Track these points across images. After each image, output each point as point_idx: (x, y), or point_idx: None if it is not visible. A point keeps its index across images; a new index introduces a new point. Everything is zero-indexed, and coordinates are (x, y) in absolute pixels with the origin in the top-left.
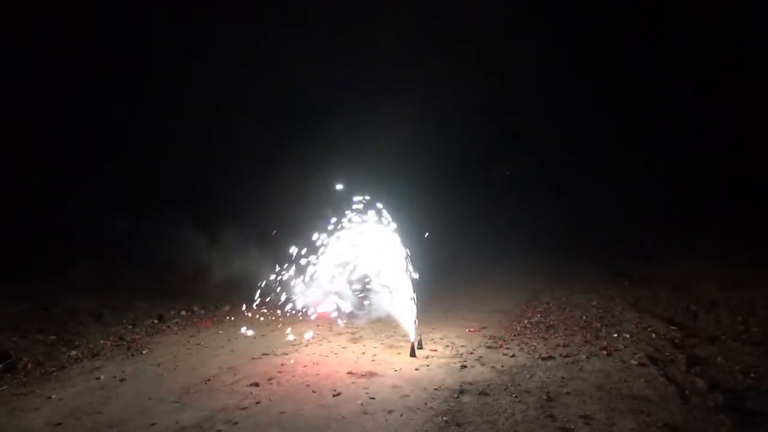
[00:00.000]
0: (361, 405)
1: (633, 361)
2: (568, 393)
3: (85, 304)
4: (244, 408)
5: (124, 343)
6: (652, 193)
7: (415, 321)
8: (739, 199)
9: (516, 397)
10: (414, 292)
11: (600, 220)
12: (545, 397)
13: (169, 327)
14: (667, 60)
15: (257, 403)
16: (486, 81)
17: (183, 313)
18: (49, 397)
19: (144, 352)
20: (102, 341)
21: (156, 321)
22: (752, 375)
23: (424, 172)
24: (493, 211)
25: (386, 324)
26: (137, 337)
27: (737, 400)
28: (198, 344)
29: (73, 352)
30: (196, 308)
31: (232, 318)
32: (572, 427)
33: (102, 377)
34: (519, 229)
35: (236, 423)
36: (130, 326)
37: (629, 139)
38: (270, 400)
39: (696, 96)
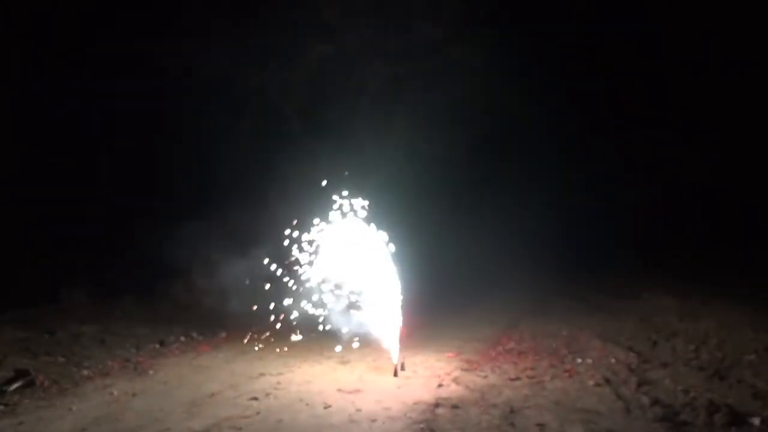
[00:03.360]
0: (349, 415)
1: (590, 382)
2: (529, 407)
3: (87, 330)
4: (246, 417)
5: (130, 364)
6: (620, 234)
7: (398, 346)
8: (693, 239)
9: (484, 410)
10: (400, 318)
11: (576, 259)
12: (509, 410)
13: (170, 351)
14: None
15: (257, 413)
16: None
17: (182, 338)
18: (70, 409)
19: (150, 372)
20: (109, 363)
21: (158, 345)
22: (691, 394)
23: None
24: (477, 247)
25: (373, 349)
26: (142, 359)
27: (673, 413)
28: (200, 365)
29: (85, 372)
30: (194, 334)
31: (229, 343)
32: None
33: (115, 393)
34: (500, 265)
35: (240, 428)
36: (134, 350)
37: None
38: (268, 411)
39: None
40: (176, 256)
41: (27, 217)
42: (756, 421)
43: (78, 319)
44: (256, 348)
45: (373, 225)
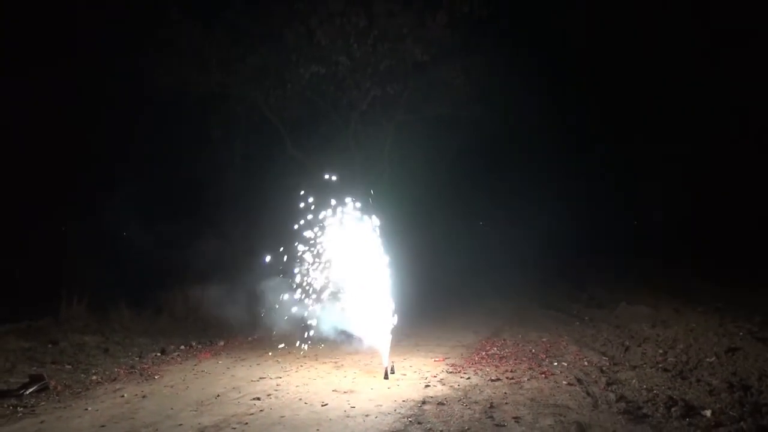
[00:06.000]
0: (344, 411)
1: (564, 382)
2: (507, 403)
3: (90, 340)
4: (251, 414)
5: (136, 370)
6: (601, 248)
7: (388, 350)
8: (670, 254)
9: (466, 406)
10: (390, 324)
11: (559, 272)
12: (489, 406)
13: (172, 358)
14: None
15: (261, 411)
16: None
17: (182, 347)
18: (86, 409)
19: (156, 377)
20: (116, 369)
21: (159, 354)
22: (654, 391)
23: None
24: (462, 259)
25: (364, 355)
26: (146, 366)
27: (636, 407)
28: (202, 371)
29: (93, 377)
30: (193, 343)
31: (228, 351)
32: (505, 424)
33: (125, 395)
34: (486, 276)
35: (246, 423)
36: (137, 358)
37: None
38: (271, 409)
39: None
40: (172, 268)
41: (25, 229)
42: (708, 413)
43: (79, 330)
44: (270, 353)
45: (373, 230)
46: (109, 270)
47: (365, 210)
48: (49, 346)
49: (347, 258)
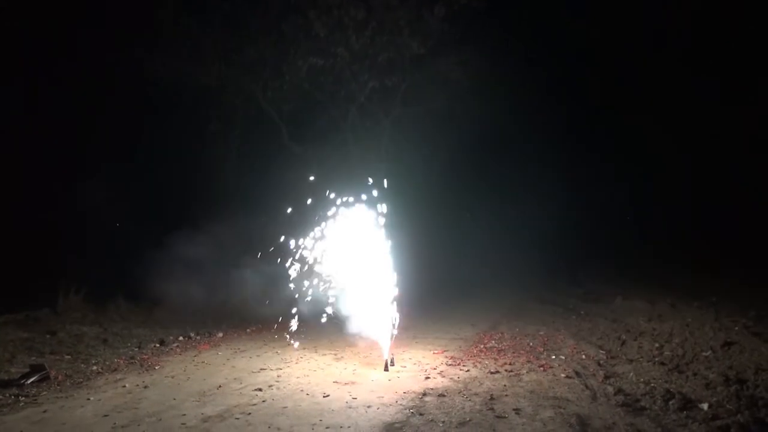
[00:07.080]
0: (346, 403)
1: (562, 375)
2: (507, 395)
3: (88, 330)
4: (254, 404)
5: (136, 361)
6: (596, 243)
7: (389, 341)
8: (664, 249)
9: (467, 398)
10: (392, 315)
11: (556, 267)
12: (489, 398)
13: (172, 349)
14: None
15: (263, 401)
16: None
17: (181, 338)
18: (88, 399)
19: (156, 367)
20: (116, 360)
21: (158, 345)
22: (652, 384)
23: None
24: (459, 255)
25: (364, 347)
26: (146, 357)
27: (634, 400)
28: (202, 362)
29: (94, 368)
30: (192, 334)
31: (227, 342)
32: (506, 415)
33: (127, 385)
34: (482, 272)
35: (250, 414)
36: (136, 348)
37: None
38: (273, 399)
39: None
40: (169, 260)
41: (21, 221)
42: (704, 406)
43: (76, 321)
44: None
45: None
46: (103, 261)
47: (370, 201)
48: (48, 336)
49: (350, 248)
